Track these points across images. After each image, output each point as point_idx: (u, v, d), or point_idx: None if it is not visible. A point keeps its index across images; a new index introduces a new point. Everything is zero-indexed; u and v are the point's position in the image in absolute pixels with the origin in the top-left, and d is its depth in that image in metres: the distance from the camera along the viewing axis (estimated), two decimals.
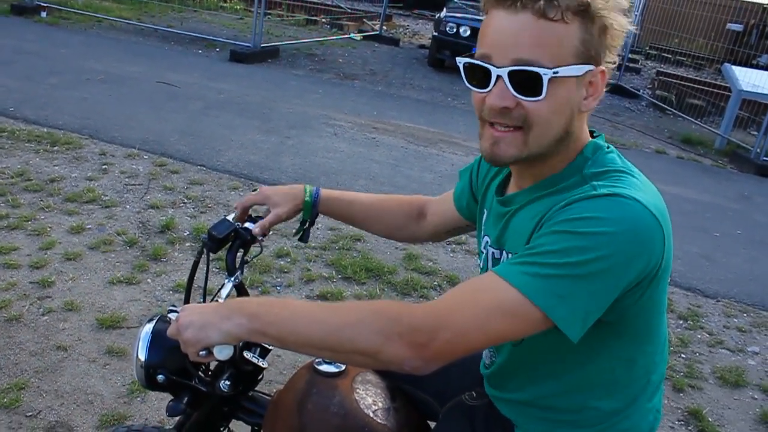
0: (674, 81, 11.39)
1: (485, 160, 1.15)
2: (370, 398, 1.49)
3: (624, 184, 1.06)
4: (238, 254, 1.54)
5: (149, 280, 3.47)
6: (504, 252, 1.22)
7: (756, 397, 3.27)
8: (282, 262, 3.85)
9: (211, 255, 1.54)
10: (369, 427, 1.40)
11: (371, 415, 1.43)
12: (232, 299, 1.19)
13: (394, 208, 1.62)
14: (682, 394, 3.19)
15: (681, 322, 3.89)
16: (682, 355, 3.53)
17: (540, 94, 1.04)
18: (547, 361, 1.20)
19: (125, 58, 8.26)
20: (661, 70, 13.12)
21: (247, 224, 1.56)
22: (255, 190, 1.67)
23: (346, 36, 12.71)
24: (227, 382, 1.43)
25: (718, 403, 3.18)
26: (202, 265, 1.53)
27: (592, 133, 1.20)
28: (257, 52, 9.48)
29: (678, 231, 4.85)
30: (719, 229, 5.53)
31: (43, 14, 10.22)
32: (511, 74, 1.04)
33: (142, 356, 1.43)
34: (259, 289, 3.52)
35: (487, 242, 1.29)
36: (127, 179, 4.70)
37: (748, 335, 3.85)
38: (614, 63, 1.12)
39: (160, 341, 1.45)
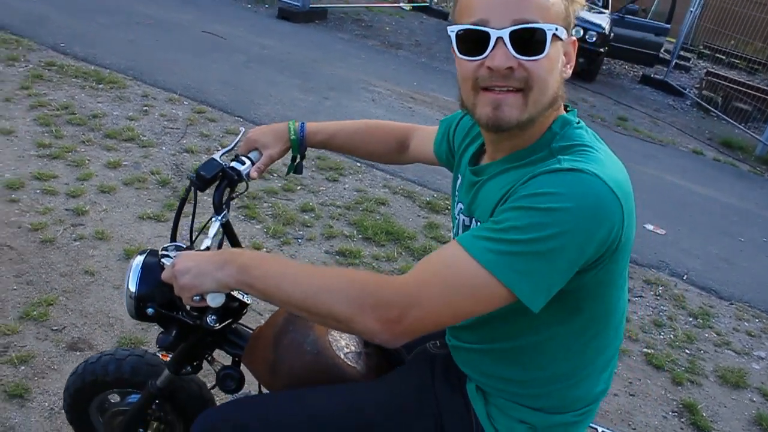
0: (723, 83, 11.14)
1: (487, 126, 1.16)
2: (343, 341, 1.57)
3: (587, 158, 1.09)
4: (225, 193, 1.57)
5: None
6: (473, 220, 1.27)
7: (754, 399, 3.31)
8: (306, 217, 3.96)
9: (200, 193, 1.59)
10: (338, 368, 1.48)
11: (342, 356, 1.51)
12: (227, 249, 1.25)
13: (376, 137, 1.70)
14: (680, 387, 3.25)
15: (691, 319, 3.92)
16: (686, 351, 3.58)
17: (542, 51, 1.08)
18: (507, 324, 1.24)
19: (175, 5, 8.37)
20: (711, 70, 12.82)
21: (234, 163, 1.59)
22: (240, 130, 1.73)
23: (396, 5, 12.65)
24: (214, 317, 1.50)
25: (714, 400, 3.23)
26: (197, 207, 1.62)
27: (566, 107, 1.24)
28: (305, 11, 9.52)
29: (702, 231, 4.86)
30: (745, 235, 5.49)
31: None
32: (513, 34, 1.07)
33: (132, 288, 1.50)
34: (281, 239, 3.64)
35: (461, 209, 1.34)
36: (165, 122, 4.83)
37: (756, 340, 3.87)
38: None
39: (150, 275, 1.51)
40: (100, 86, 5.20)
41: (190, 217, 1.65)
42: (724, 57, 14.12)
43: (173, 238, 1.61)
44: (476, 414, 1.32)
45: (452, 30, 1.13)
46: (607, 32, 9.66)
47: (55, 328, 2.65)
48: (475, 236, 1.07)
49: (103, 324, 2.73)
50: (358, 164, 4.87)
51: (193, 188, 1.54)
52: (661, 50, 11.71)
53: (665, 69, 11.90)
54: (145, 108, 4.99)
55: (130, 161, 4.13)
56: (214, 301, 1.24)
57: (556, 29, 1.08)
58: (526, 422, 1.28)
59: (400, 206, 4.42)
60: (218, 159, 1.56)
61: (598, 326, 1.23)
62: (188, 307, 1.54)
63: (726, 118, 9.72)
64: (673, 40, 13.23)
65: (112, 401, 1.88)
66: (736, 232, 5.50)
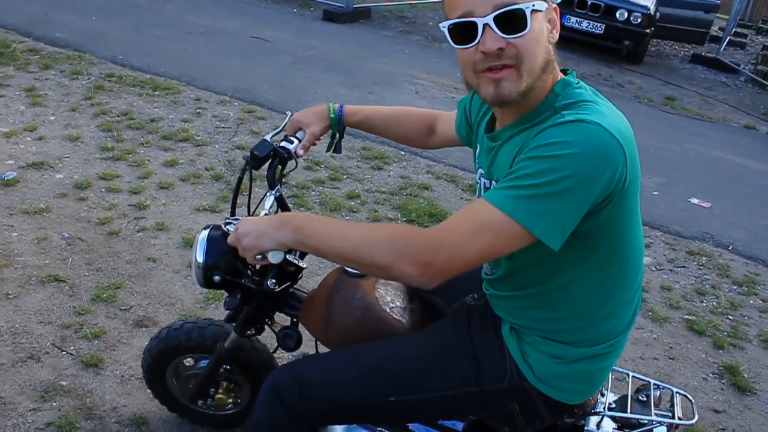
0: None
1: (493, 103, 1.31)
2: (389, 297, 1.73)
3: (588, 110, 1.22)
4: (277, 170, 1.76)
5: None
6: (493, 181, 1.42)
7: None
8: (352, 203, 4.15)
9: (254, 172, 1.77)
10: (385, 321, 1.65)
11: (388, 310, 1.68)
12: (282, 213, 1.43)
13: (406, 121, 1.86)
14: (721, 351, 3.29)
15: (735, 287, 3.94)
16: (730, 317, 3.61)
17: (525, 27, 1.22)
18: (535, 270, 1.39)
19: (224, 14, 8.72)
20: None
21: (283, 143, 1.77)
22: (286, 112, 1.92)
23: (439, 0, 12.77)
24: (273, 281, 1.69)
25: (757, 362, 3.26)
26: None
27: (565, 71, 1.37)
28: (349, 12, 9.74)
29: (750, 203, 4.85)
30: None
31: None
32: (496, 18, 1.21)
33: (200, 259, 1.70)
34: None
35: (481, 173, 1.49)
36: (218, 122, 5.11)
37: None
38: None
39: (215, 246, 1.72)
40: (156, 93, 5.53)
41: (247, 194, 1.85)
42: None
43: (233, 213, 1.80)
44: (510, 352, 1.47)
45: (443, 26, 1.28)
46: (652, 13, 9.53)
47: (123, 308, 2.92)
48: (496, 189, 1.22)
49: (165, 303, 2.98)
50: (402, 152, 5.04)
51: (248, 167, 1.72)
52: (712, 27, 11.45)
53: (716, 46, 11.63)
54: (198, 110, 5.29)
55: (186, 159, 4.41)
56: (275, 257, 1.40)
57: (533, 5, 1.22)
58: (557, 356, 1.42)
59: (443, 190, 4.57)
60: (269, 139, 1.74)
61: (617, 263, 1.36)
62: (251, 271, 1.74)
63: None
64: (726, 17, 12.89)
65: (187, 365, 2.11)
66: None
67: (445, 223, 1.26)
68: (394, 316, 1.67)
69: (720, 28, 12.99)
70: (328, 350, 1.90)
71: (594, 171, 1.16)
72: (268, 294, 1.74)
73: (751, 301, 3.82)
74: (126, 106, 5.16)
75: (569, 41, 9.83)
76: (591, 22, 9.46)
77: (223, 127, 5.03)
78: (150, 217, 3.66)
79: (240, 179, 1.80)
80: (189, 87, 5.78)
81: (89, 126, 4.70)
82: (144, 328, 2.81)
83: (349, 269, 1.74)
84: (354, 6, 9.87)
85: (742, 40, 13.37)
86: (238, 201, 1.92)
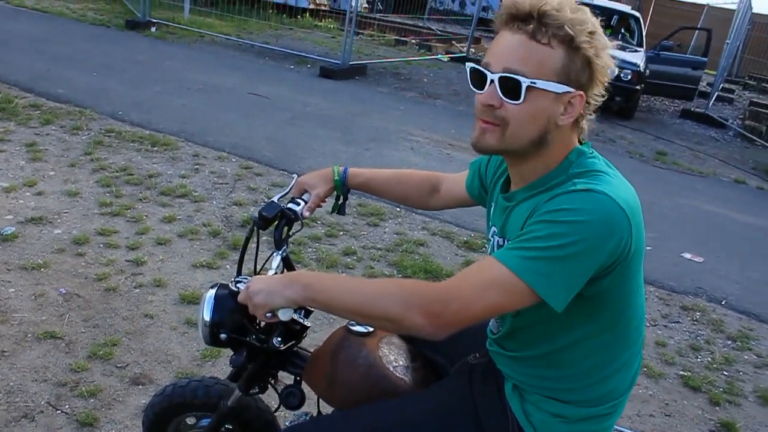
0: (767, 111, 11.09)
1: (473, 147, 1.39)
2: (392, 356, 1.76)
3: (599, 181, 1.29)
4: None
5: (228, 266, 3.88)
6: (505, 240, 1.47)
7: None
8: (348, 259, 4.19)
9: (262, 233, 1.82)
10: (388, 379, 1.68)
11: (391, 369, 1.70)
12: (291, 272, 1.48)
13: (408, 182, 1.91)
14: (717, 408, 3.29)
15: (729, 342, 3.95)
16: (725, 372, 3.62)
17: (519, 98, 1.29)
18: (541, 329, 1.43)
19: (222, 71, 8.92)
20: (755, 100, 12.75)
21: (290, 205, 1.82)
22: (293, 174, 1.98)
23: (433, 57, 13.07)
24: (279, 339, 1.72)
25: (754, 419, 3.25)
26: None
27: (581, 141, 1.44)
28: (346, 68, 9.97)
29: (741, 257, 4.92)
30: None
31: (153, 29, 11.12)
32: (500, 79, 1.30)
33: (207, 317, 1.73)
34: None
35: (494, 231, 1.55)
36: (215, 178, 5.18)
37: None
38: (602, 96, 1.36)
39: (222, 304, 1.75)
40: (155, 148, 5.61)
41: (254, 254, 1.88)
42: None
43: (239, 272, 1.83)
44: (513, 411, 1.49)
45: (467, 66, 1.39)
46: (641, 70, 9.79)
47: (120, 365, 2.91)
48: (506, 249, 1.29)
49: (162, 361, 2.98)
50: (398, 209, 5.10)
51: (255, 227, 1.77)
52: (701, 83, 11.74)
53: (705, 102, 11.89)
54: (196, 166, 5.36)
55: (184, 215, 4.46)
56: (285, 315, 1.44)
57: (536, 83, 1.28)
58: (560, 416, 1.44)
59: (438, 246, 4.62)
60: (276, 201, 1.79)
61: (620, 325, 1.41)
62: (259, 327, 1.75)
63: None
64: (714, 73, 13.23)
65: (189, 423, 2.09)
66: None
67: (456, 277, 1.31)
68: (398, 374, 1.69)
69: (708, 84, 13.30)
70: (331, 410, 1.91)
71: (600, 239, 1.22)
72: (274, 352, 1.76)
73: (746, 357, 3.83)
74: (125, 161, 5.24)
75: None
76: None
77: (220, 183, 5.10)
78: (147, 273, 3.68)
79: (247, 239, 1.84)
80: (188, 143, 5.88)
81: (88, 181, 4.76)
82: (140, 386, 2.80)
83: (354, 328, 1.77)
84: (350, 63, 10.10)
85: (729, 95, 13.69)
86: (244, 260, 1.94)
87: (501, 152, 1.37)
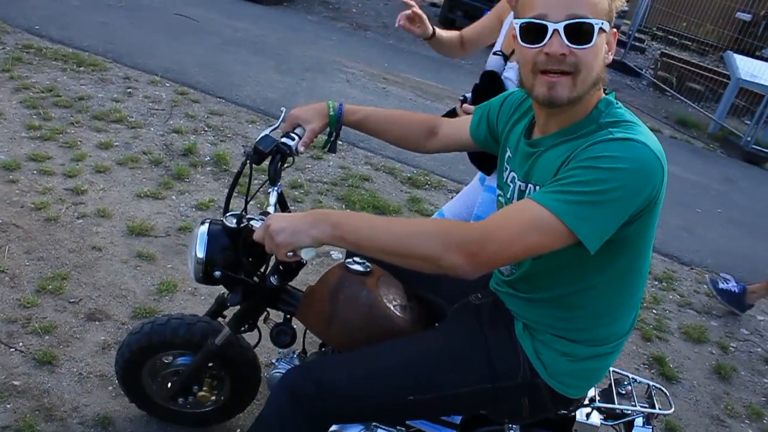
0: (677, 63, 11.58)
1: (543, 103, 1.39)
2: (391, 295, 1.78)
3: (634, 131, 1.33)
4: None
5: (173, 197, 3.74)
6: (529, 185, 1.49)
7: (713, 352, 3.63)
8: (296, 193, 4.13)
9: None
10: (389, 318, 1.70)
11: (392, 308, 1.73)
12: (315, 210, 1.44)
13: (405, 124, 1.88)
14: (649, 343, 3.55)
15: (656, 283, 4.24)
16: (654, 311, 3.89)
17: (590, 41, 1.31)
18: (559, 274, 1.47)
19: None
20: (666, 51, 13.26)
21: (284, 139, 1.76)
22: (281, 110, 1.92)
23: None
24: (275, 276, 1.70)
25: (680, 353, 3.54)
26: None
27: (605, 90, 1.47)
28: None
29: (663, 204, 5.15)
30: (701, 206, 5.86)
31: None
32: (566, 27, 1.30)
33: (200, 254, 1.68)
34: None
35: (514, 177, 1.56)
36: (150, 104, 4.92)
37: (714, 301, 4.19)
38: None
39: (215, 241, 1.70)
40: (81, 69, 5.25)
41: (227, 190, 1.82)
42: (676, 39, 14.59)
43: (227, 209, 1.77)
44: (523, 349, 1.55)
45: (517, 23, 1.36)
46: None
47: (72, 300, 2.79)
48: (544, 192, 1.31)
49: (116, 296, 2.87)
50: (339, 142, 5.03)
51: (249, 161, 1.70)
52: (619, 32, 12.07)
53: (621, 50, 12.27)
54: (128, 90, 5.07)
55: (121, 142, 4.23)
56: (308, 255, 1.41)
57: (602, 24, 1.31)
58: (568, 354, 1.52)
59: (383, 182, 4.62)
60: (270, 135, 1.72)
61: (633, 270, 1.47)
62: (254, 263, 1.72)
63: (680, 97, 10.15)
64: (629, 22, 13.62)
65: (165, 362, 2.04)
66: (693, 204, 5.86)
67: (493, 218, 1.33)
68: (398, 313, 1.72)
69: (623, 32, 13.70)
70: (316, 347, 1.91)
71: (638, 186, 1.27)
72: (269, 290, 1.74)
73: (671, 297, 4.12)
74: (50, 81, 4.87)
75: None
76: None
77: (156, 109, 4.85)
78: (89, 203, 3.50)
79: (239, 173, 1.77)
80: (116, 64, 5.53)
81: (11, 101, 4.41)
82: (97, 322, 2.70)
83: (353, 267, 1.77)
84: None
85: (641, 45, 14.17)
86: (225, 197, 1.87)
87: (572, 101, 1.36)
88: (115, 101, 4.80)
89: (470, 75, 8.31)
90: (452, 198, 4.59)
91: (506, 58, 2.31)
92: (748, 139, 8.16)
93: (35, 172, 3.66)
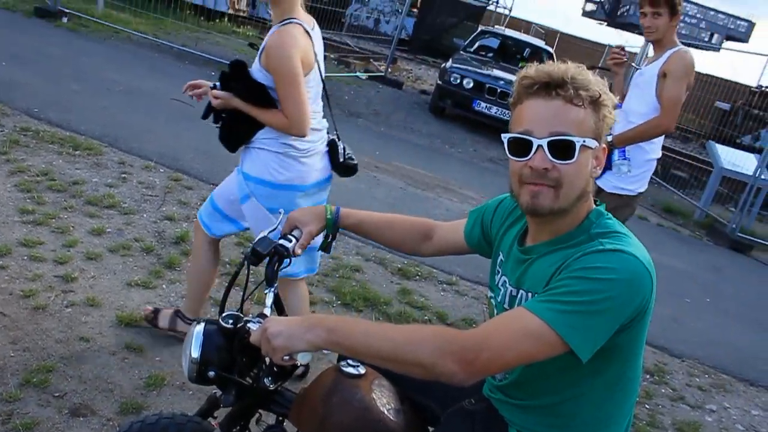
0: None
1: (527, 211, 1.46)
2: (384, 399, 1.76)
3: (624, 242, 1.39)
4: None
5: (164, 286, 3.73)
6: (521, 290, 1.53)
7: None
8: None
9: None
10: (383, 422, 1.68)
11: (386, 412, 1.71)
12: (311, 315, 1.47)
13: (400, 228, 1.94)
14: None
15: (648, 376, 4.20)
16: (646, 406, 3.84)
17: (572, 157, 1.38)
18: (551, 380, 1.49)
19: (142, 72, 8.57)
20: None
21: (282, 241, 1.80)
22: (280, 212, 1.96)
23: (352, 74, 13.12)
24: (270, 378, 1.69)
25: None
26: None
27: (595, 201, 1.54)
28: None
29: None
30: (690, 296, 5.89)
31: (65, 20, 10.51)
32: (550, 143, 1.38)
33: (195, 354, 1.67)
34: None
35: (506, 282, 1.60)
36: (144, 189, 4.97)
37: (707, 394, 4.16)
38: (609, 144, 1.48)
39: (211, 341, 1.70)
40: (77, 152, 5.31)
41: (224, 289, 1.83)
42: None
43: (222, 309, 1.78)
44: None
45: (505, 137, 1.45)
46: None
47: (57, 394, 2.73)
48: (537, 301, 1.35)
49: (103, 390, 2.82)
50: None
51: (247, 263, 1.73)
52: None
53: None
54: (123, 175, 5.12)
55: (113, 228, 4.24)
56: (304, 359, 1.44)
57: (585, 141, 1.39)
58: None
59: (374, 273, 4.63)
60: (268, 237, 1.76)
61: (625, 377, 1.49)
62: (243, 368, 1.71)
63: (665, 185, 10.36)
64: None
65: None
66: (682, 293, 5.89)
67: (487, 326, 1.36)
68: (391, 417, 1.70)
69: None
70: None
71: (629, 296, 1.32)
72: (262, 391, 1.73)
73: (663, 390, 4.08)
74: (45, 164, 4.92)
75: (479, 125, 10.36)
76: (499, 108, 10.05)
77: (150, 195, 4.89)
78: (79, 291, 3.47)
79: (236, 273, 1.80)
80: (112, 149, 5.60)
81: (5, 184, 4.44)
82: (81, 418, 2.63)
83: (346, 369, 1.76)
84: None
85: None
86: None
87: (555, 212, 1.43)
88: (109, 186, 4.84)
89: (461, 163, 8.48)
90: (443, 292, 4.66)
91: None
92: (734, 226, 8.29)
93: (26, 257, 3.64)
